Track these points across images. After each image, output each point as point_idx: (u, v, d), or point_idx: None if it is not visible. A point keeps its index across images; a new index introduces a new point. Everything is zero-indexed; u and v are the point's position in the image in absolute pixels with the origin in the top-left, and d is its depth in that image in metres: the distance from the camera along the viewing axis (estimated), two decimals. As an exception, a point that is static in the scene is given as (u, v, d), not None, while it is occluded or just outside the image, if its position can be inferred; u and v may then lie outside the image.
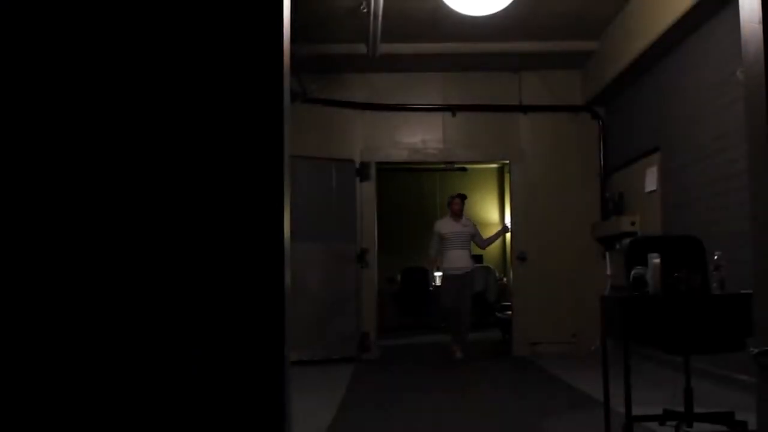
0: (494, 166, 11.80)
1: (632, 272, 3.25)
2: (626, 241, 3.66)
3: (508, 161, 8.02)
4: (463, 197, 7.65)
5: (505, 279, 11.02)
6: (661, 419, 3.54)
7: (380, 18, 5.74)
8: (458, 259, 7.35)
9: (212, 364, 2.29)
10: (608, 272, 7.32)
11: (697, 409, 3.54)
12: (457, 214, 7.51)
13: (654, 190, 6.37)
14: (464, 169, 11.78)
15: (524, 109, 7.82)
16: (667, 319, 3.05)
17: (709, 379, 5.02)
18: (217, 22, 2.50)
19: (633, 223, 6.67)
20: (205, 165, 2.45)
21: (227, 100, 2.51)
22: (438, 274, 8.02)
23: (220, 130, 2.51)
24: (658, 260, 3.11)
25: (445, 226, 7.49)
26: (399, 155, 7.89)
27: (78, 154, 2.27)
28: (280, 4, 2.52)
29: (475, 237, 7.61)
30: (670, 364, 4.63)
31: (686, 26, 5.42)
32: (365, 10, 5.68)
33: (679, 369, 3.61)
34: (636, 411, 3.59)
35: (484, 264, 11.17)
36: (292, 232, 6.85)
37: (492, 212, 12.38)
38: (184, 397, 2.18)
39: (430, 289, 8.02)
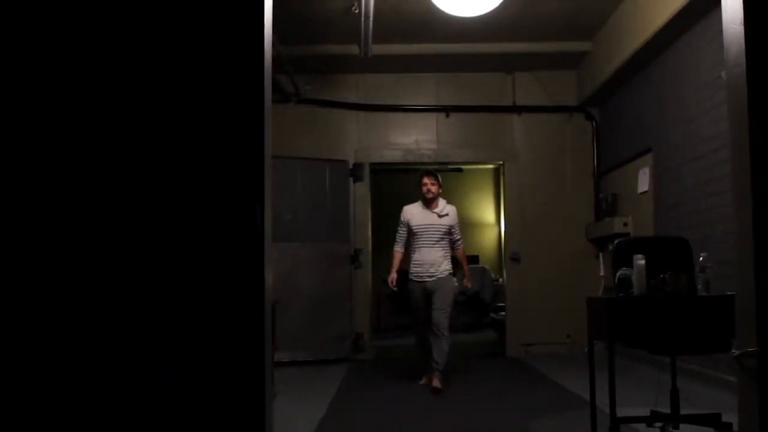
0: (490, 166, 11.79)
1: (618, 274, 3.26)
2: (615, 242, 3.66)
3: (502, 162, 8.01)
4: (432, 175, 5.72)
5: (500, 280, 11.03)
6: (649, 420, 3.54)
7: (371, 18, 5.74)
8: (427, 260, 5.57)
9: (189, 365, 2.29)
10: (601, 273, 7.32)
11: (687, 411, 3.54)
12: (430, 199, 5.68)
13: (646, 191, 6.37)
14: (460, 170, 11.77)
15: (518, 109, 7.82)
16: (651, 320, 3.05)
17: (700, 380, 5.02)
18: (197, 22, 2.49)
19: (626, 224, 6.68)
20: (182, 165, 2.44)
21: (205, 101, 2.50)
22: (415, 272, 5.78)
23: (197, 130, 2.50)
24: (643, 262, 3.11)
25: (414, 214, 5.74)
26: (393, 156, 7.89)
27: (37, 154, 2.27)
28: (261, 5, 2.52)
29: (453, 232, 5.71)
30: (662, 365, 4.62)
31: (678, 27, 5.42)
32: (356, 11, 5.68)
33: (670, 370, 3.60)
34: (626, 412, 3.60)
35: (480, 264, 11.18)
36: (284, 232, 6.90)
37: (488, 213, 12.38)
38: (162, 398, 2.18)
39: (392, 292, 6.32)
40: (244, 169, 2.47)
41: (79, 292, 2.21)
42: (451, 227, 5.68)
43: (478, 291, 10.51)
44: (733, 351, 2.44)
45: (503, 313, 7.99)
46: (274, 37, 5.91)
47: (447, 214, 5.69)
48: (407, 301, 5.80)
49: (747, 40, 2.44)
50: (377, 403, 4.94)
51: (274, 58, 6.50)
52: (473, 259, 11.50)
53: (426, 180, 5.69)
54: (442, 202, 5.76)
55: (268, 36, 2.63)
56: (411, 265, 5.68)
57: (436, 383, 5.32)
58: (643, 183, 6.44)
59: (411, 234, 5.69)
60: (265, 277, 2.44)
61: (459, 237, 5.78)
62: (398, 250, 5.82)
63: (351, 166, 7.63)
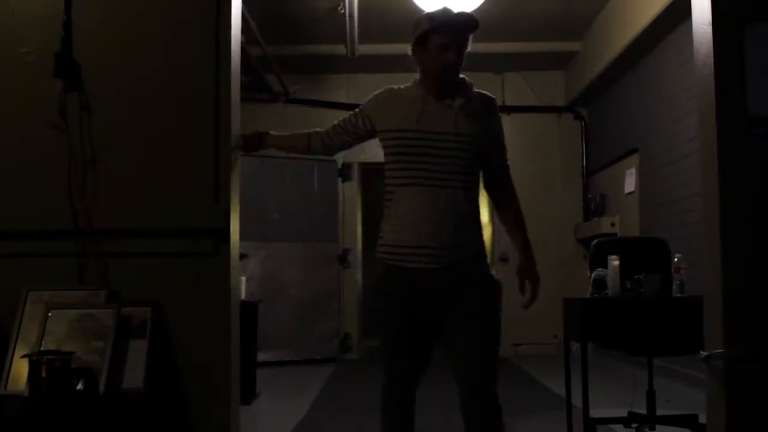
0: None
1: (593, 274, 3.26)
2: (593, 243, 3.67)
3: (491, 162, 7.99)
4: (458, 26, 2.27)
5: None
6: (625, 421, 3.53)
7: (356, 18, 5.73)
8: (429, 220, 2.22)
9: (152, 366, 2.27)
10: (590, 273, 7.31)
11: (668, 411, 3.53)
12: (446, 78, 2.29)
13: (633, 192, 6.37)
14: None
15: (507, 109, 7.78)
16: (624, 321, 3.04)
17: (681, 380, 5.03)
18: (160, 14, 2.47)
19: (613, 224, 6.68)
20: (146, 163, 2.42)
21: (169, 96, 2.49)
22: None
23: (161, 126, 2.48)
24: (617, 262, 3.10)
25: (396, 110, 2.33)
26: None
27: None
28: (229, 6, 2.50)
29: (492, 156, 2.41)
30: (642, 364, 4.62)
31: (663, 27, 5.43)
32: (342, 11, 5.67)
33: (657, 371, 3.59)
34: (605, 412, 3.60)
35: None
36: (271, 232, 6.94)
37: (482, 213, 12.35)
38: (123, 400, 2.16)
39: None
40: (211, 167, 2.46)
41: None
42: (491, 143, 2.41)
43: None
44: (701, 352, 2.45)
45: (493, 313, 7.97)
46: (260, 37, 5.91)
47: (479, 112, 2.36)
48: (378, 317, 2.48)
49: (715, 40, 2.45)
50: (359, 404, 4.92)
51: (262, 58, 6.49)
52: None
53: (444, 39, 2.27)
54: (469, 87, 2.39)
55: (236, 30, 2.61)
56: (386, 233, 2.34)
57: None
58: (630, 183, 6.44)
59: (390, 154, 2.42)
60: (231, 277, 2.44)
61: (507, 164, 2.51)
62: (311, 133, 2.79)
63: (340, 166, 7.62)
